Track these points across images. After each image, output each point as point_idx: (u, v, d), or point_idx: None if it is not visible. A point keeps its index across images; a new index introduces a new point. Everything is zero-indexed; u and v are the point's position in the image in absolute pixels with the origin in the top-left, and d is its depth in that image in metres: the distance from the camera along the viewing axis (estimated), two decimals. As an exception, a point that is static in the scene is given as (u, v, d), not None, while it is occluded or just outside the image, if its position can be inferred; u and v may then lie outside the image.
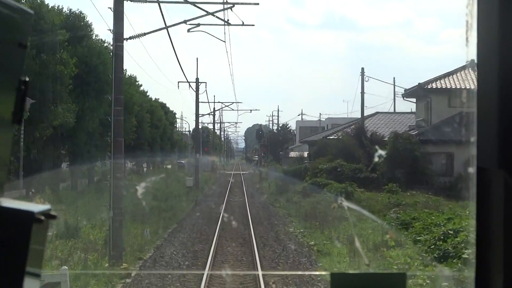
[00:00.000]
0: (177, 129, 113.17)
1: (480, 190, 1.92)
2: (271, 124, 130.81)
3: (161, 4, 20.42)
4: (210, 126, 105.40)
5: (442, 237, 20.58)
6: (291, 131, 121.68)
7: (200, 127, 67.09)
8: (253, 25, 25.14)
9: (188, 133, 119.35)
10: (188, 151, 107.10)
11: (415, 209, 30.19)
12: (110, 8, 18.89)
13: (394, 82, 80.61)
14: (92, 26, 36.87)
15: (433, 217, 25.23)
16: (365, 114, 56.23)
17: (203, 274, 17.78)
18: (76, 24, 35.26)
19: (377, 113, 64.18)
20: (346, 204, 29.89)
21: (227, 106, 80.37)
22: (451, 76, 47.71)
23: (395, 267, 18.15)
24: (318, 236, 25.62)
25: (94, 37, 37.27)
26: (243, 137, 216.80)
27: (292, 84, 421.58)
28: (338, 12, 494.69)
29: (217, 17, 20.57)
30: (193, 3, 21.32)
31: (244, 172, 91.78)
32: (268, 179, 61.04)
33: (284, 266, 19.76)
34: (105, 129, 34.02)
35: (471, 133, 1.95)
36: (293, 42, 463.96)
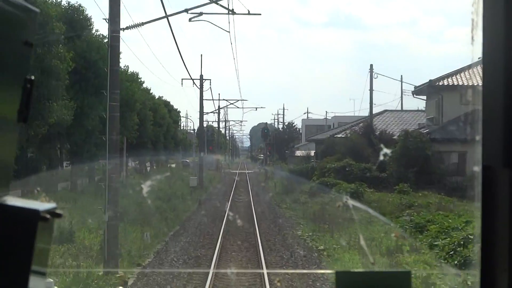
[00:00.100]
0: (182, 127, 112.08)
1: (486, 189, 1.93)
2: (276, 123, 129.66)
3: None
4: (215, 125, 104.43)
5: (462, 242, 19.23)
6: (297, 129, 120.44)
7: (205, 125, 65.90)
8: (260, 14, 23.71)
9: (193, 131, 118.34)
10: (193, 150, 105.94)
11: (429, 211, 29.08)
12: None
13: (401, 80, 79.59)
14: (92, 20, 35.56)
15: (449, 220, 23.98)
16: (373, 112, 54.94)
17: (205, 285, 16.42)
18: (75, 18, 33.91)
19: (385, 111, 63.13)
20: (351, 202, 28.92)
21: (232, 103, 78.94)
22: (462, 73, 46.24)
23: (413, 275, 16.82)
24: (328, 240, 24.27)
25: (94, 32, 35.92)
26: (248, 136, 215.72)
27: (297, 82, 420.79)
28: (344, 11, 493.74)
29: (220, 5, 19.21)
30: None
31: (249, 171, 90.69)
32: (274, 179, 59.77)
33: (292, 275, 18.36)
34: (105, 127, 32.55)
35: (476, 132, 1.95)
36: (298, 41, 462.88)
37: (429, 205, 30.95)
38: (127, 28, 17.86)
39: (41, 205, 1.67)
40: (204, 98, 58.66)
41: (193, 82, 54.83)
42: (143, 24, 18.18)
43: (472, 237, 19.37)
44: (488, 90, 1.92)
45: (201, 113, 59.53)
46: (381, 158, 41.43)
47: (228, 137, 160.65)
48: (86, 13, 35.18)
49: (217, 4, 19.26)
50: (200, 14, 20.20)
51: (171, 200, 37.20)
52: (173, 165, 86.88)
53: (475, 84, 42.99)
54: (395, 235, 23.23)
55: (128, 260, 19.44)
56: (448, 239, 20.34)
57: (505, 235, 1.86)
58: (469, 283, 14.42)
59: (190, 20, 20.51)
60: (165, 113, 67.38)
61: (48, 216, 1.65)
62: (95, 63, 33.65)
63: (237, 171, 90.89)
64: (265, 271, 17.30)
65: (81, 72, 33.58)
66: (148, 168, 70.79)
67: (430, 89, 46.43)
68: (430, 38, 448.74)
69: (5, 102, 1.64)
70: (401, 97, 77.97)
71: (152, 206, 32.40)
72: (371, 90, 52.12)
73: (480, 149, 1.93)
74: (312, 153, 72.11)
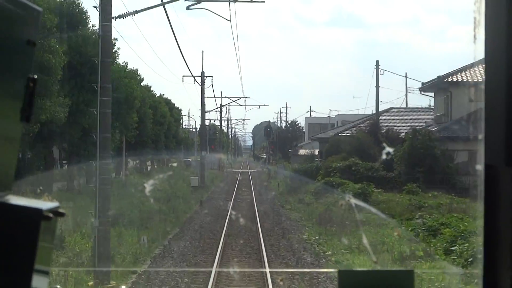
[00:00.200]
0: (184, 126, 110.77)
1: (488, 188, 1.91)
2: (279, 122, 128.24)
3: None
4: (217, 123, 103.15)
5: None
6: (300, 128, 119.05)
7: (207, 124, 64.58)
8: (263, 1, 22.27)
9: (195, 130, 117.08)
10: (195, 149, 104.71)
11: (440, 212, 27.74)
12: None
13: (406, 76, 78.26)
14: (88, 14, 34.08)
15: (465, 223, 22.52)
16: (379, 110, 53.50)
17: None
18: (70, 11, 32.44)
19: (391, 108, 61.76)
20: (353, 201, 27.73)
21: (235, 101, 77.42)
22: (472, 69, 44.77)
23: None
24: (336, 244, 22.88)
25: (90, 26, 34.46)
26: (251, 135, 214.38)
27: (300, 80, 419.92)
28: (346, 9, 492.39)
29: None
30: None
31: (252, 170, 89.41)
32: (277, 178, 58.36)
33: (300, 285, 16.95)
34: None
35: (479, 130, 1.93)
36: (301, 39, 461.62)
37: (440, 206, 29.65)
38: (119, 16, 16.45)
39: (44, 204, 1.67)
40: (205, 95, 57.38)
41: (194, 79, 53.52)
42: (137, 12, 16.74)
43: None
44: (491, 89, 1.91)
45: (203, 110, 58.24)
46: (389, 157, 40.12)
47: (230, 136, 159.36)
48: (82, 6, 33.77)
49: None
50: (199, 1, 18.74)
51: (171, 201, 35.84)
52: (175, 164, 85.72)
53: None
54: (397, 234, 22.62)
55: (123, 267, 18.09)
56: (467, 244, 18.93)
57: (508, 233, 1.85)
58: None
59: (188, 8, 19.07)
60: (166, 111, 65.91)
61: (51, 215, 1.65)
62: (90, 58, 32.17)
63: (240, 170, 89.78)
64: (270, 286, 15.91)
65: (76, 68, 32.15)
66: (149, 168, 69.44)
67: (439, 85, 45.02)
68: (433, 37, 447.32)
69: (8, 101, 1.64)
70: (406, 94, 76.71)
71: (151, 207, 31.05)
72: (377, 86, 50.66)
73: (483, 148, 1.92)
74: (316, 151, 70.75)
